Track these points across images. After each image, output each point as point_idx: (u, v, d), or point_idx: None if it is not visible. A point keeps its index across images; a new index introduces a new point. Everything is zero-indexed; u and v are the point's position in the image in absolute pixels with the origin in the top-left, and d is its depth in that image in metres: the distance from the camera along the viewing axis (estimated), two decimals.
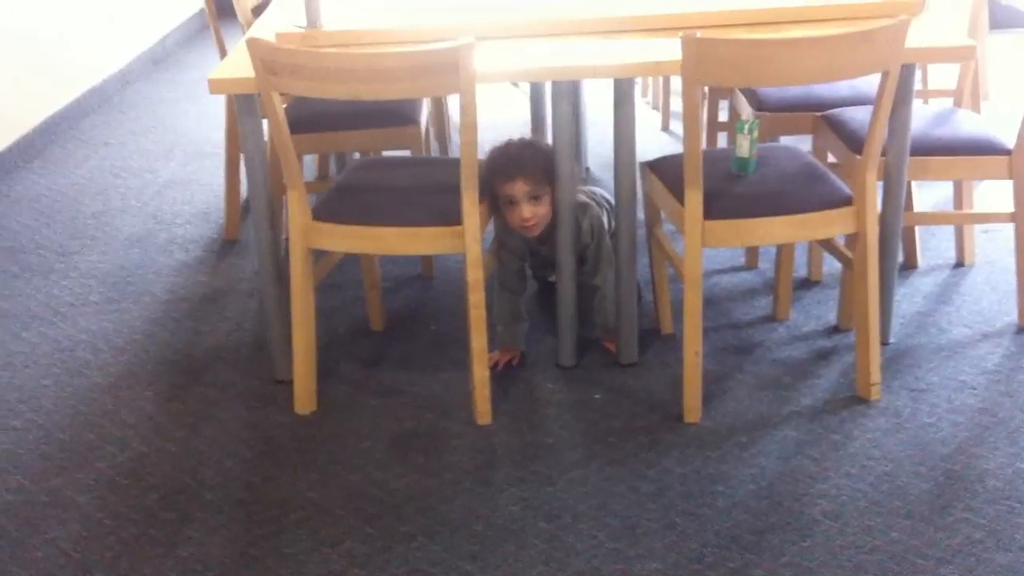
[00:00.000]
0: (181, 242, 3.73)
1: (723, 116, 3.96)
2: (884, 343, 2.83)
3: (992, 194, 3.72)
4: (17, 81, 4.60)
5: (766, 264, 3.33)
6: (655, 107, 4.89)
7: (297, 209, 2.54)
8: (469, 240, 2.49)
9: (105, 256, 3.64)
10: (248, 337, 3.06)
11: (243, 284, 3.39)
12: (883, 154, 2.64)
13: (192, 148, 4.74)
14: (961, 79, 3.19)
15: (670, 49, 2.50)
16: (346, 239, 2.57)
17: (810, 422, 2.54)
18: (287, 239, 2.61)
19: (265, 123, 2.62)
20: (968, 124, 2.95)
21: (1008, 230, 3.42)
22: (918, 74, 2.91)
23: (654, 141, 4.46)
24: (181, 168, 4.49)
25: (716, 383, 2.71)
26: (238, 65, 2.54)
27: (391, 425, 2.61)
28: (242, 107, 2.54)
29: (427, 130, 3.47)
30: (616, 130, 2.59)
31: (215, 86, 2.49)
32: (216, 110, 5.18)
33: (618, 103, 2.57)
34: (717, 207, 2.48)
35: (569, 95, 2.57)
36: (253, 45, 2.34)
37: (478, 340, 2.54)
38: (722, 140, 3.97)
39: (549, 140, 2.72)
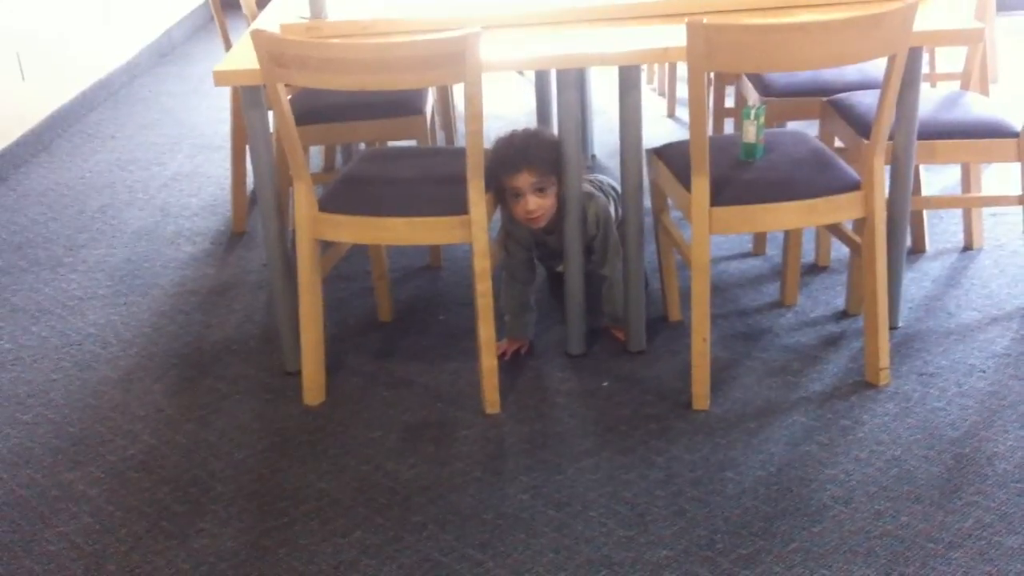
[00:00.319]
0: (189, 235, 3.73)
1: (730, 102, 3.95)
2: (893, 328, 2.83)
3: (1000, 177, 3.71)
4: (23, 75, 4.61)
5: (774, 250, 3.32)
6: (661, 94, 4.89)
7: (304, 200, 2.54)
8: (476, 230, 2.49)
9: (113, 249, 3.65)
10: (257, 329, 3.06)
11: (251, 276, 3.39)
12: (890, 138, 2.63)
13: (199, 141, 4.75)
14: (969, 62, 3.18)
15: (676, 36, 2.49)
16: (353, 230, 2.57)
17: (819, 408, 2.54)
18: (294, 231, 2.62)
19: (271, 115, 2.63)
20: (976, 107, 2.94)
21: (1016, 213, 3.41)
22: (925, 57, 2.90)
23: (660, 128, 4.45)
24: (188, 161, 4.49)
25: (725, 370, 2.71)
26: (243, 57, 2.54)
27: (400, 415, 2.61)
28: (247, 99, 2.55)
29: (433, 120, 3.47)
30: (622, 118, 2.59)
31: (220, 78, 2.49)
32: (222, 102, 5.19)
33: (624, 91, 2.56)
34: (724, 193, 2.47)
35: (575, 83, 2.56)
36: (258, 37, 2.33)
37: (486, 330, 2.54)
38: (729, 126, 3.96)
39: (555, 129, 2.72)
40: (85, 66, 5.28)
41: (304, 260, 2.58)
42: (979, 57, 3.17)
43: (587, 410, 2.59)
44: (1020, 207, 2.92)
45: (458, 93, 4.24)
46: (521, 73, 5.31)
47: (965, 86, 3.17)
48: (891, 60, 2.37)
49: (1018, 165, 2.85)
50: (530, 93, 4.94)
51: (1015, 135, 2.80)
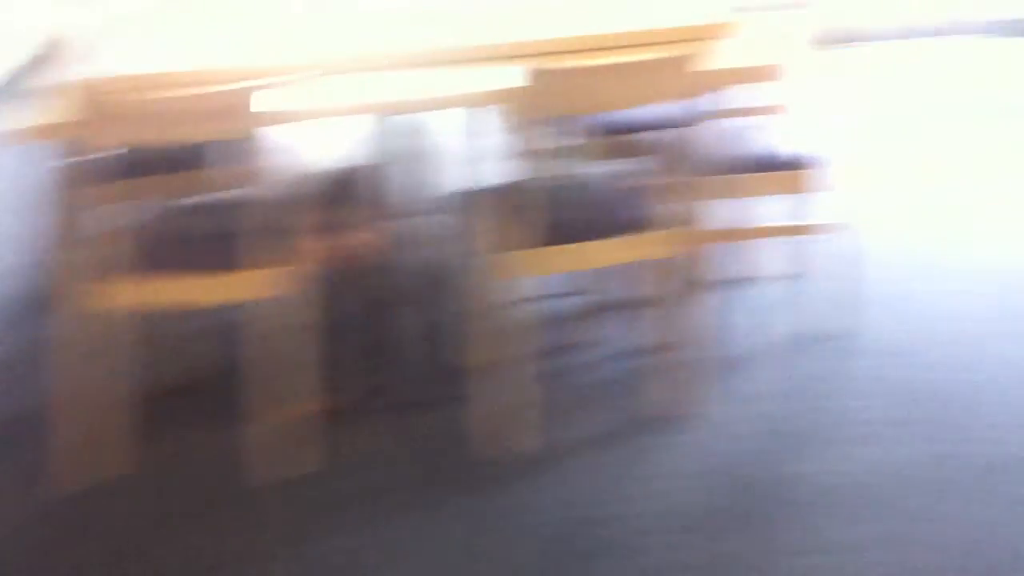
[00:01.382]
0: None
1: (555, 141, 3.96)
2: (703, 358, 2.86)
3: (818, 206, 3.77)
4: None
5: (591, 287, 3.31)
6: (487, 136, 4.87)
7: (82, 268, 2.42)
8: (264, 286, 2.41)
9: None
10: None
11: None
12: (700, 173, 2.67)
13: None
14: (776, 95, 3.24)
15: (504, 79, 2.47)
16: (144, 294, 2.46)
17: (623, 442, 2.56)
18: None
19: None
20: (777, 140, 3.00)
21: (834, 241, 3.47)
22: (739, 91, 2.94)
23: (496, 169, 4.43)
24: None
25: (533, 410, 2.69)
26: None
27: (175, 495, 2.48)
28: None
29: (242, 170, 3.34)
30: (450, 161, 2.55)
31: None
32: None
33: (445, 135, 2.54)
34: (537, 235, 2.48)
35: (402, 128, 2.51)
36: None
37: (270, 392, 2.46)
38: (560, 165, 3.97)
39: (383, 171, 2.68)
40: None
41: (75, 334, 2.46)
42: (786, 91, 3.24)
43: (382, 469, 2.52)
44: (834, 234, 2.98)
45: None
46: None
47: (773, 119, 3.23)
48: (688, 99, 2.40)
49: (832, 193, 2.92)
50: (363, 135, 4.87)
51: (813, 167, 2.86)
